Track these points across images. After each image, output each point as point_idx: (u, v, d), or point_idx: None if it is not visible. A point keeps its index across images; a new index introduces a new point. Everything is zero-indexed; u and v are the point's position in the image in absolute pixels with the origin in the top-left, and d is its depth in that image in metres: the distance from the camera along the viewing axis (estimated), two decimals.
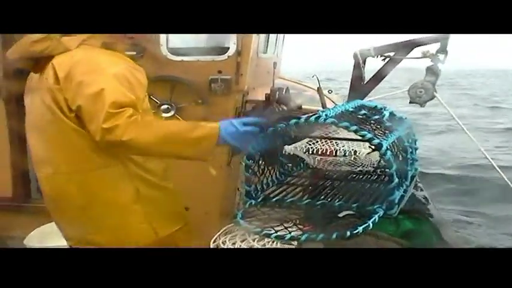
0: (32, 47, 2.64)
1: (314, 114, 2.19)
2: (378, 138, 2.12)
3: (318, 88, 4.60)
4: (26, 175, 5.10)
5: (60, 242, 4.24)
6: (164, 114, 4.59)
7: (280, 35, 5.88)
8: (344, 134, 2.36)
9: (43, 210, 4.78)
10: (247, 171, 2.56)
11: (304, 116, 2.15)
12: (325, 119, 2.11)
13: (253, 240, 4.46)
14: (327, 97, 4.78)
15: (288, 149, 2.43)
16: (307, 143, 2.40)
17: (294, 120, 2.17)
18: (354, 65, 4.24)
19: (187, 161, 4.51)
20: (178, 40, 4.78)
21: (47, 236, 4.32)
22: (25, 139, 4.74)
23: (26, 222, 4.82)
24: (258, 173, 2.63)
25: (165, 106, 4.57)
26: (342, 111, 2.38)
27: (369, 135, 2.08)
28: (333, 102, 5.14)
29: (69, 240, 2.92)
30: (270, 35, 5.43)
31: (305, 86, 5.51)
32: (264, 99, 4.58)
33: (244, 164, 2.62)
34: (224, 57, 4.55)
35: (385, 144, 2.08)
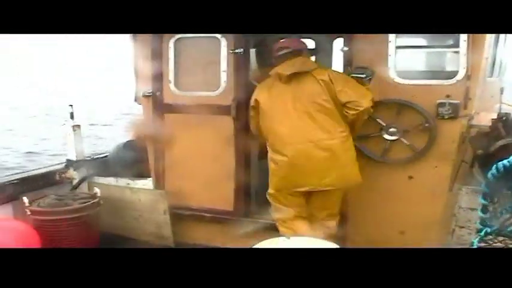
0: (304, 66, 4.47)
1: None
2: None
3: None
4: (247, 191, 5.41)
5: None
6: (389, 137, 4.64)
7: (505, 59, 5.68)
8: None
9: (261, 226, 5.13)
10: (484, 199, 2.54)
11: None
12: None
13: None
14: None
15: None
16: None
17: None
18: None
19: (405, 187, 4.56)
20: (406, 63, 4.86)
21: None
22: (250, 155, 5.13)
23: (244, 236, 5.11)
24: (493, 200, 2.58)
25: (391, 129, 4.62)
26: None
27: None
28: None
29: (306, 186, 4.44)
30: (496, 59, 5.28)
31: None
32: (490, 124, 4.47)
33: (483, 191, 2.62)
34: (453, 81, 4.48)
35: None
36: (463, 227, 4.75)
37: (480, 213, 4.01)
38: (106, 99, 23.64)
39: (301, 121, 4.42)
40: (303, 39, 4.79)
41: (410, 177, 4.66)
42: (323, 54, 6.49)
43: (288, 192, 4.54)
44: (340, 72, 4.71)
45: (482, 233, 3.92)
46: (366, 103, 4.33)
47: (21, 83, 33.67)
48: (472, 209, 4.68)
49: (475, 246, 4.01)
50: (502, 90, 4.60)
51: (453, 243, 4.75)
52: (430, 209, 4.64)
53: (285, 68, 4.51)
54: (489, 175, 4.00)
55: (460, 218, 4.74)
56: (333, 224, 4.64)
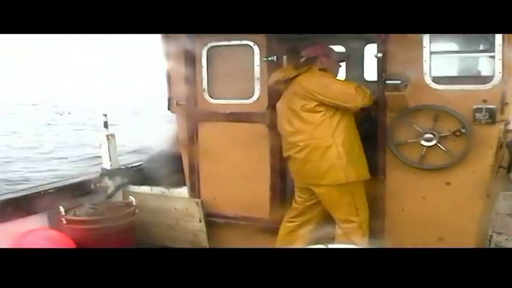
0: (282, 74, 4.84)
1: None
2: None
3: None
4: (283, 198, 5.42)
5: None
6: (426, 143, 4.62)
7: None
8: None
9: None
10: None
11: None
12: None
13: None
14: None
15: None
16: None
17: None
18: None
19: (444, 192, 4.55)
20: (441, 69, 4.84)
21: None
22: (285, 163, 5.17)
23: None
24: None
25: (428, 135, 4.60)
26: None
27: None
28: None
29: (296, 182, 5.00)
30: None
31: None
32: None
33: None
34: (489, 86, 4.44)
35: None
36: (500, 233, 4.72)
37: None
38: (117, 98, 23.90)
39: (284, 125, 4.85)
40: (323, 46, 4.94)
41: (448, 183, 4.64)
42: (354, 60, 6.47)
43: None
44: (320, 78, 4.77)
45: None
46: (353, 104, 4.58)
47: (22, 83, 33.96)
48: (510, 215, 4.66)
49: None
50: None
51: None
52: (468, 215, 4.62)
53: (270, 77, 5.01)
54: None
55: (497, 224, 4.71)
56: (348, 230, 4.75)
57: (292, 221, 5.02)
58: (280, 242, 5.04)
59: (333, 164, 4.62)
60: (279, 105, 4.93)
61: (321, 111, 4.63)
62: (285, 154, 4.92)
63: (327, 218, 4.93)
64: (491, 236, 4.76)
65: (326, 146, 4.62)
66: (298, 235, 4.98)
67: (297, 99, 4.70)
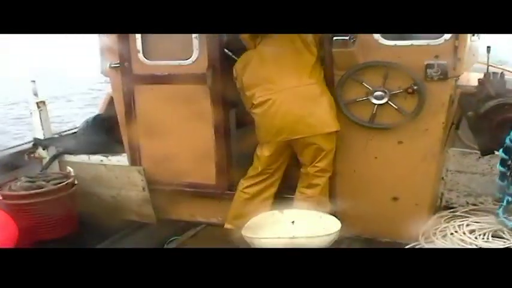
0: None
1: None
2: None
3: None
4: (229, 162, 5.17)
5: (270, 234, 4.32)
6: (376, 101, 4.41)
7: None
8: None
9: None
10: (503, 166, 2.43)
11: None
12: None
13: (464, 234, 4.20)
14: None
15: None
16: None
17: None
18: None
19: (397, 151, 4.42)
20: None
21: (260, 227, 4.40)
22: (229, 128, 4.91)
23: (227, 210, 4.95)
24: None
25: (379, 93, 4.39)
26: None
27: None
28: None
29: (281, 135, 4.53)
30: None
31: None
32: (477, 84, 4.28)
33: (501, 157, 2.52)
34: (440, 41, 4.21)
35: None
36: (451, 190, 4.66)
37: (499, 181, 3.88)
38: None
39: (264, 71, 4.64)
40: None
41: (400, 142, 4.48)
42: None
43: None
44: None
45: (505, 202, 3.81)
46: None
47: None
48: (460, 172, 4.58)
49: (500, 218, 3.94)
50: (488, 50, 4.38)
51: (442, 207, 4.67)
52: (422, 174, 4.50)
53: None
54: (507, 141, 3.83)
55: (448, 181, 4.64)
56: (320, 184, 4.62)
57: (254, 186, 4.76)
58: (239, 210, 4.81)
59: (328, 111, 4.44)
60: (253, 53, 4.65)
61: (311, 55, 4.51)
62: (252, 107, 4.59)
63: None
64: (442, 194, 4.69)
65: (318, 91, 4.46)
66: (260, 200, 4.77)
67: (291, 44, 4.51)
